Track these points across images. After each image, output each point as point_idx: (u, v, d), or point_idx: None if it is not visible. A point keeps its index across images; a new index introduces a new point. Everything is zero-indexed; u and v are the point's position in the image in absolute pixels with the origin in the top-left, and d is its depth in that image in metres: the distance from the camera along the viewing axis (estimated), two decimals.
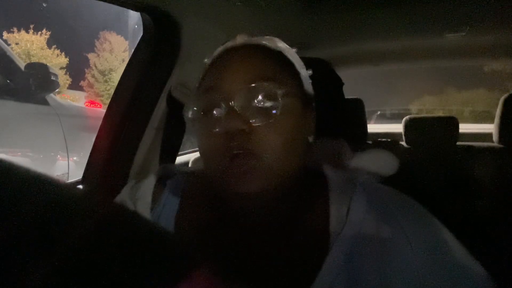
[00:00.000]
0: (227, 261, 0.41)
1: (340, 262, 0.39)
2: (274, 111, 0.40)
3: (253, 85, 0.41)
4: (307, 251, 0.42)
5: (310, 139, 0.47)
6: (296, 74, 0.46)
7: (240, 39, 0.47)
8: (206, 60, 0.49)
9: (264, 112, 0.40)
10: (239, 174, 0.39)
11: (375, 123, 4.68)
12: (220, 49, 0.48)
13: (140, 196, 0.51)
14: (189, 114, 0.45)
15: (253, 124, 0.40)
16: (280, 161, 0.40)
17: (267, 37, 0.48)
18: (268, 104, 0.41)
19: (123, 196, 0.53)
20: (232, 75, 0.42)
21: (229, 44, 0.48)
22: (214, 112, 0.42)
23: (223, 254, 0.43)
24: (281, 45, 0.48)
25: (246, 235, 0.44)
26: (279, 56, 0.46)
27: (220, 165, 0.40)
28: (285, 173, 0.41)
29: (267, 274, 0.41)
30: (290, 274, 0.41)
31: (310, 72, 0.49)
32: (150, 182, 0.52)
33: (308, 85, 0.48)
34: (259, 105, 0.41)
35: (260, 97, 0.41)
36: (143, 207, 0.49)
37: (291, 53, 0.48)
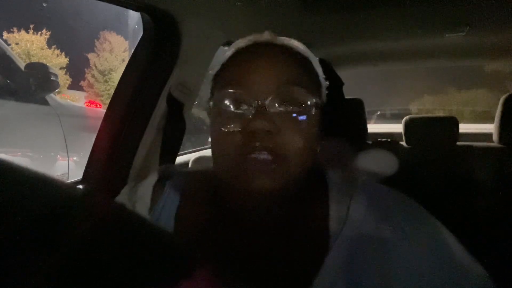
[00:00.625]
0: (227, 261, 0.41)
1: (340, 261, 0.39)
2: (301, 117, 0.41)
3: (286, 87, 0.41)
4: (307, 250, 0.42)
5: (323, 143, 0.47)
6: (319, 82, 0.47)
7: (267, 36, 0.47)
8: (225, 47, 0.48)
9: (291, 115, 0.41)
10: (257, 174, 0.39)
11: (375, 123, 4.68)
12: (244, 41, 0.47)
13: (139, 198, 0.51)
14: (208, 104, 0.45)
15: (281, 126, 0.40)
16: (297, 164, 0.41)
17: (292, 39, 0.48)
18: (296, 108, 0.41)
19: (122, 198, 0.53)
20: (266, 72, 0.42)
21: (254, 38, 0.47)
22: (239, 108, 0.41)
23: (223, 254, 0.43)
24: (306, 50, 0.48)
25: (246, 235, 0.44)
26: (307, 61, 0.46)
27: (238, 162, 0.40)
28: (298, 175, 0.42)
29: (267, 274, 0.41)
30: (290, 274, 0.41)
31: (327, 83, 0.49)
32: (149, 184, 0.52)
33: (325, 92, 0.49)
34: (289, 108, 0.41)
35: (292, 100, 0.41)
36: (142, 209, 0.49)
37: (315, 60, 0.48)
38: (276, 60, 0.43)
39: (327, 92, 0.49)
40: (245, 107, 0.41)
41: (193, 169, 0.56)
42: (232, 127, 0.41)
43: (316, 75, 0.47)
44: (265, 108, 0.40)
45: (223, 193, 0.47)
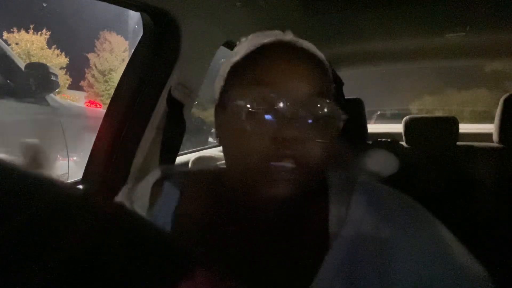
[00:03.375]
0: (226, 261, 0.41)
1: (340, 261, 0.39)
2: (324, 125, 0.41)
3: (316, 97, 0.41)
4: (307, 250, 0.42)
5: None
6: (332, 89, 0.47)
7: (291, 36, 0.46)
8: (244, 39, 0.47)
9: (318, 125, 0.41)
10: (279, 182, 0.39)
11: (375, 123, 4.68)
12: (265, 37, 0.45)
13: (138, 198, 0.51)
14: (222, 97, 0.44)
15: (307, 135, 0.40)
16: (315, 173, 0.42)
17: (306, 41, 0.47)
18: (320, 118, 0.41)
19: (121, 198, 0.53)
20: (299, 80, 0.41)
21: (280, 36, 0.45)
22: (268, 110, 0.40)
23: (223, 254, 0.43)
24: (321, 54, 0.47)
25: (246, 235, 0.44)
26: (328, 69, 0.46)
27: (262, 167, 0.39)
28: (314, 181, 0.43)
29: (267, 274, 0.41)
30: (290, 274, 0.41)
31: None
32: (147, 184, 0.52)
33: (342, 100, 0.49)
34: (316, 117, 0.41)
35: (319, 111, 0.41)
36: (141, 209, 0.49)
37: (328, 68, 0.48)
38: (307, 66, 0.43)
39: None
40: (276, 111, 0.39)
41: (192, 169, 0.56)
42: (258, 130, 0.39)
43: (332, 83, 0.47)
44: (298, 116, 0.39)
45: (228, 194, 0.47)
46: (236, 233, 0.45)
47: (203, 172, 0.55)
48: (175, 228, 0.47)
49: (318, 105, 0.41)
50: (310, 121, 0.41)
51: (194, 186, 0.51)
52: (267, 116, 0.39)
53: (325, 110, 0.41)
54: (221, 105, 0.45)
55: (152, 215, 0.49)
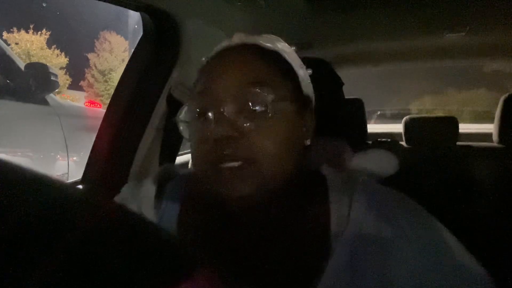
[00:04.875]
0: (229, 263, 0.41)
1: (343, 262, 0.39)
2: (265, 116, 0.40)
3: (243, 89, 0.40)
4: (309, 252, 0.42)
5: (308, 141, 0.46)
6: (293, 75, 0.45)
7: (236, 39, 0.46)
8: (203, 58, 0.48)
9: (255, 117, 0.40)
10: (230, 181, 0.39)
11: (375, 123, 4.67)
12: (216, 48, 0.47)
13: (144, 195, 0.51)
14: (183, 116, 0.45)
15: (244, 130, 0.39)
16: (272, 166, 0.40)
17: (266, 35, 0.47)
18: (259, 108, 0.40)
19: (125, 195, 0.53)
20: (224, 78, 0.41)
21: (225, 43, 0.47)
22: (205, 116, 0.41)
23: (225, 256, 0.42)
24: (279, 44, 0.46)
25: (248, 237, 0.44)
26: (275, 56, 0.45)
27: (211, 172, 0.40)
28: (278, 176, 0.41)
29: (270, 276, 0.41)
30: (293, 276, 0.41)
31: (310, 71, 0.49)
32: (152, 182, 0.52)
33: (307, 86, 0.47)
34: (250, 110, 0.40)
35: (251, 102, 0.40)
36: (147, 206, 0.49)
37: (289, 53, 0.47)
38: (237, 62, 0.42)
39: (309, 82, 0.48)
40: (208, 116, 0.41)
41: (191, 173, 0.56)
42: (199, 137, 0.41)
43: (288, 67, 0.45)
44: (224, 114, 0.40)
45: (217, 199, 0.47)
46: (238, 235, 0.45)
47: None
48: (177, 230, 0.47)
49: (249, 95, 0.40)
50: (241, 113, 0.40)
51: (195, 188, 0.51)
52: (202, 121, 0.42)
53: (261, 98, 0.40)
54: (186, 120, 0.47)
55: (154, 215, 0.49)
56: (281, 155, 0.41)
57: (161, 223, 0.48)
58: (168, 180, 0.53)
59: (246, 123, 0.40)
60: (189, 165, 1.44)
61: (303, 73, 0.47)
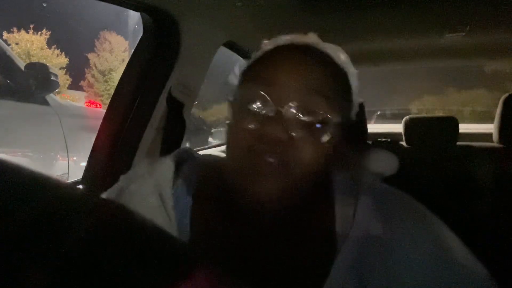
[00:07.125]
0: (235, 261, 0.41)
1: (349, 263, 0.39)
2: (316, 127, 0.40)
3: (308, 96, 0.40)
4: (316, 253, 0.41)
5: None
6: (350, 97, 0.45)
7: (310, 39, 0.46)
8: (265, 41, 0.47)
9: (308, 125, 0.40)
10: (262, 174, 0.39)
11: (375, 123, 4.67)
12: (285, 39, 0.46)
13: (161, 174, 0.49)
14: (232, 98, 0.44)
15: (294, 135, 0.39)
16: (303, 174, 0.40)
17: (332, 45, 0.46)
18: (315, 120, 0.40)
19: (141, 171, 0.51)
20: (289, 78, 0.41)
21: (298, 39, 0.46)
22: (259, 109, 0.40)
23: (232, 254, 0.42)
24: (342, 56, 0.46)
25: (256, 237, 0.44)
26: (342, 73, 0.45)
27: (248, 159, 0.40)
28: (303, 183, 0.41)
29: (276, 275, 0.41)
30: (300, 277, 0.40)
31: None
32: (169, 163, 0.50)
33: (355, 109, 0.47)
34: (307, 119, 0.40)
35: (310, 111, 0.40)
36: (165, 185, 0.47)
37: (352, 74, 0.46)
38: (305, 66, 0.42)
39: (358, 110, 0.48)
40: (264, 108, 0.40)
41: (210, 158, 0.55)
42: (248, 125, 0.40)
43: (348, 89, 0.45)
44: (282, 114, 0.39)
45: (233, 191, 0.46)
46: (245, 234, 0.44)
47: (218, 163, 0.53)
48: (190, 222, 0.46)
49: (310, 103, 0.40)
50: (297, 118, 0.40)
51: (209, 178, 0.50)
52: (256, 111, 0.41)
53: (320, 111, 0.40)
54: (229, 103, 0.46)
55: (172, 193, 0.47)
56: (317, 165, 0.41)
57: (181, 204, 0.47)
58: (185, 161, 0.52)
59: (298, 130, 0.39)
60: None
61: (356, 99, 0.47)
